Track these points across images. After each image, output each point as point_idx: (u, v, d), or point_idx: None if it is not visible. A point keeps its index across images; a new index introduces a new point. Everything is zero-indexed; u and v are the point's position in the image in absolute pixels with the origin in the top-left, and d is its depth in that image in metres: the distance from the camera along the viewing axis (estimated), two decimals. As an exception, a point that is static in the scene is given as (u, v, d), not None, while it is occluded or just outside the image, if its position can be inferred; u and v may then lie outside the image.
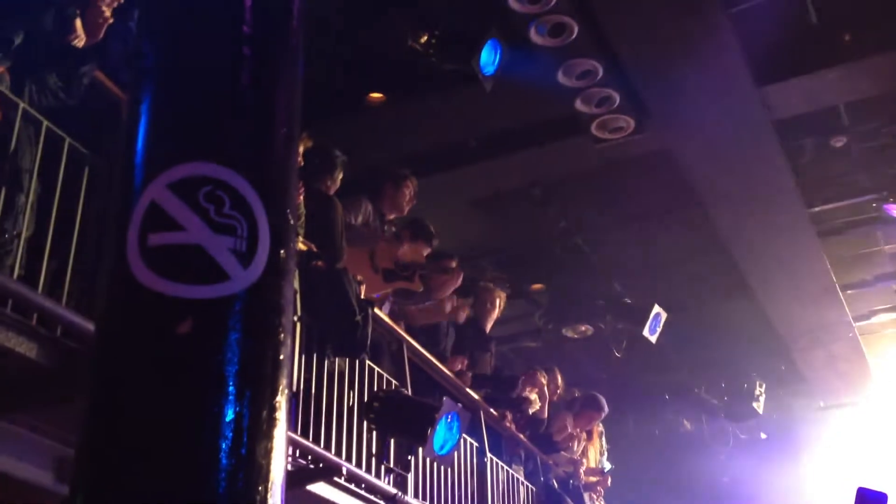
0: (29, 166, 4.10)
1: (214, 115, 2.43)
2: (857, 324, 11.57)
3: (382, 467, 5.96)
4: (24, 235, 4.07)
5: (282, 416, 2.31)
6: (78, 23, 4.45)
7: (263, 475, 2.21)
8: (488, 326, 8.82)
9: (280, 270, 2.39)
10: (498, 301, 8.83)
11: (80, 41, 4.46)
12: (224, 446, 2.15)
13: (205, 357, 2.23)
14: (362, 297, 6.00)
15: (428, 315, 7.81)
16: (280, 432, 2.29)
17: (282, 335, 2.38)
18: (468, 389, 7.71)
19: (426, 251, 7.36)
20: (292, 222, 2.50)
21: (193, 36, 2.49)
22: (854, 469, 13.21)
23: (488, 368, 8.75)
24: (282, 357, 2.36)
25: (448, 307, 7.95)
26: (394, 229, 7.26)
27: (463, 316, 8.18)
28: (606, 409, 10.32)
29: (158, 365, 2.23)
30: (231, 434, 2.17)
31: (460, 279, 7.78)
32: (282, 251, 2.39)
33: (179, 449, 2.16)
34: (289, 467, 5.02)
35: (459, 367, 7.98)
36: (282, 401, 2.33)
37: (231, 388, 2.20)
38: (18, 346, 3.82)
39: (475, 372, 8.31)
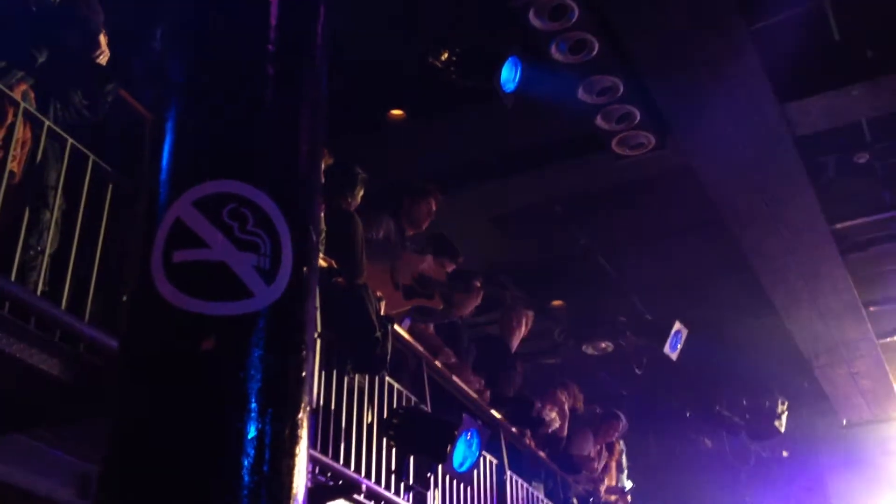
0: (54, 183, 4.13)
1: (238, 134, 2.44)
2: (880, 341, 11.45)
3: (402, 484, 5.94)
4: (48, 252, 4.09)
5: (304, 433, 2.32)
6: (102, 38, 4.49)
7: (286, 492, 2.21)
8: (514, 345, 8.79)
9: (303, 287, 2.40)
10: (525, 320, 8.81)
11: (104, 57, 4.49)
12: (246, 463, 2.15)
13: (228, 374, 2.24)
14: (382, 313, 5.99)
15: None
16: (302, 449, 2.30)
17: (304, 352, 2.38)
18: (487, 406, 7.68)
19: (450, 268, 7.34)
20: (315, 239, 2.51)
21: (218, 54, 2.51)
22: (878, 489, 13.06)
23: (512, 388, 8.69)
24: (304, 374, 2.37)
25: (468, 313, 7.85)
26: (415, 247, 7.26)
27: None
28: (625, 420, 10.27)
29: (181, 381, 2.24)
30: (253, 451, 2.17)
31: (480, 297, 7.76)
32: (305, 268, 2.40)
33: (202, 466, 2.17)
34: (308, 484, 5.01)
35: (477, 386, 7.94)
36: (304, 418, 2.34)
37: (254, 405, 2.21)
38: (41, 363, 3.83)
39: (496, 391, 8.27)
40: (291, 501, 2.22)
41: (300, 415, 2.33)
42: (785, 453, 13.83)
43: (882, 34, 7.45)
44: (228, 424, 2.19)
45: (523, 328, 8.80)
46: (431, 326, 7.59)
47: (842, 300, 10.31)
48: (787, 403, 12.62)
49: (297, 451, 2.27)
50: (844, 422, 13.73)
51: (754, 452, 13.56)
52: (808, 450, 13.80)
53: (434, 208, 7.31)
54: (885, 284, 10.81)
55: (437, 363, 6.96)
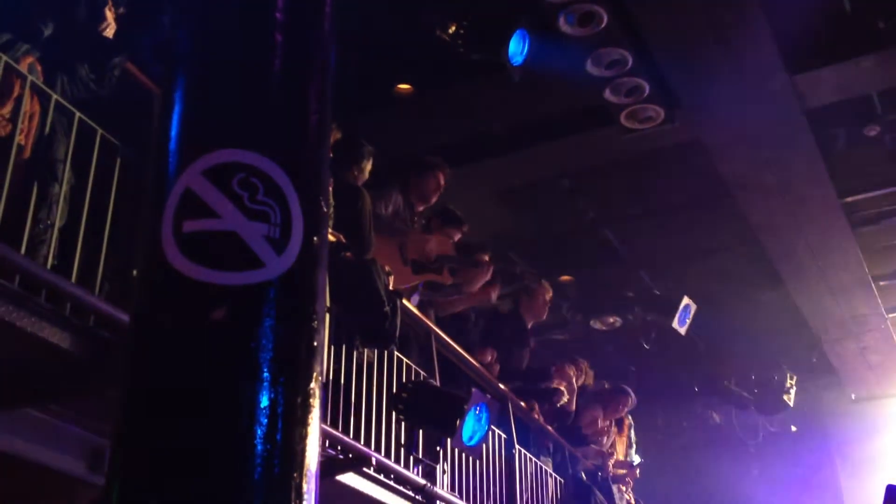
0: (62, 157, 4.12)
1: (247, 103, 2.43)
2: (890, 315, 11.44)
3: (411, 458, 5.96)
4: (57, 225, 4.09)
5: (316, 402, 2.32)
6: (108, 11, 4.47)
7: (299, 462, 2.21)
8: (531, 322, 8.78)
9: (313, 257, 2.39)
10: (548, 297, 8.82)
11: (110, 29, 4.48)
12: (259, 433, 2.15)
13: (239, 343, 2.23)
14: (391, 287, 5.99)
15: (458, 302, 7.76)
16: (315, 419, 2.29)
17: (315, 322, 2.38)
18: (496, 381, 7.69)
19: (457, 236, 7.32)
20: (325, 209, 2.50)
21: (226, 23, 2.49)
22: (886, 463, 13.08)
23: (524, 363, 8.71)
24: (315, 344, 2.36)
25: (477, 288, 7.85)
26: (423, 221, 7.24)
27: (494, 296, 8.03)
28: (634, 395, 10.29)
29: (193, 351, 2.24)
30: (266, 420, 2.17)
31: (490, 272, 7.74)
32: (315, 238, 2.39)
33: (215, 436, 2.17)
34: (319, 457, 5.03)
35: (490, 358, 7.95)
36: (316, 387, 2.33)
37: (266, 375, 2.21)
38: (52, 336, 3.83)
39: (510, 366, 8.27)
40: (305, 470, 2.22)
41: (312, 384, 2.32)
42: (793, 428, 13.85)
43: (893, 5, 7.38)
44: (240, 394, 2.18)
45: (546, 308, 8.80)
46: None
47: (851, 274, 10.28)
48: (795, 378, 12.62)
49: (310, 420, 2.27)
50: (853, 396, 13.73)
51: (762, 427, 13.58)
52: (816, 424, 13.81)
53: (442, 182, 7.27)
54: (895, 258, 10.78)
55: (445, 337, 6.96)
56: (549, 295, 8.85)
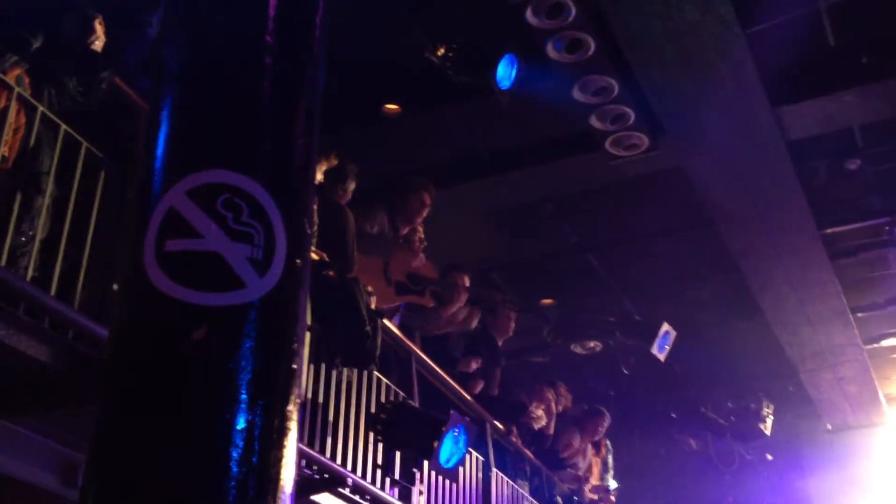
0: (47, 169, 4.11)
1: (235, 124, 2.43)
2: (867, 347, 11.49)
3: (388, 479, 5.94)
4: (38, 237, 4.08)
5: (293, 425, 2.32)
6: (97, 24, 4.47)
7: (274, 484, 2.21)
8: (500, 340, 8.83)
9: (296, 279, 2.39)
10: (511, 315, 8.87)
11: (99, 42, 4.48)
12: (235, 455, 2.15)
13: (218, 364, 2.23)
14: (373, 307, 5.99)
15: (442, 325, 7.79)
16: (291, 442, 2.29)
17: (295, 344, 2.38)
18: (476, 402, 7.68)
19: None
20: (309, 232, 2.51)
21: (216, 44, 2.50)
22: (860, 494, 13.12)
23: (496, 385, 8.73)
24: (294, 366, 2.37)
25: (462, 315, 7.91)
26: (408, 242, 7.25)
27: (475, 322, 8.12)
28: (609, 416, 10.33)
29: (171, 371, 2.23)
30: (242, 443, 2.17)
31: (464, 297, 7.79)
32: (298, 260, 2.39)
33: (190, 456, 2.16)
34: (294, 477, 5.00)
35: (475, 365, 7.98)
36: (293, 410, 2.33)
37: (244, 397, 2.20)
38: (29, 349, 3.82)
39: (485, 388, 8.29)
40: (279, 493, 2.21)
41: (290, 407, 2.32)
42: (769, 456, 13.88)
43: (877, 41, 7.48)
44: (218, 415, 2.18)
45: (512, 327, 8.86)
46: None
47: (829, 305, 10.34)
48: (772, 406, 12.66)
49: (286, 443, 2.27)
50: (829, 426, 13.79)
51: (738, 455, 13.60)
52: (791, 453, 13.84)
53: (427, 203, 7.30)
54: (873, 290, 10.85)
55: (426, 358, 6.96)
56: (512, 313, 8.89)
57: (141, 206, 2.36)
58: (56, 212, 4.19)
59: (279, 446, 2.25)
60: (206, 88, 2.46)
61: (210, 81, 2.46)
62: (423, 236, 7.52)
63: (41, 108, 4.12)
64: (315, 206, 5.27)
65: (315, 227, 5.39)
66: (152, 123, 2.44)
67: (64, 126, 4.17)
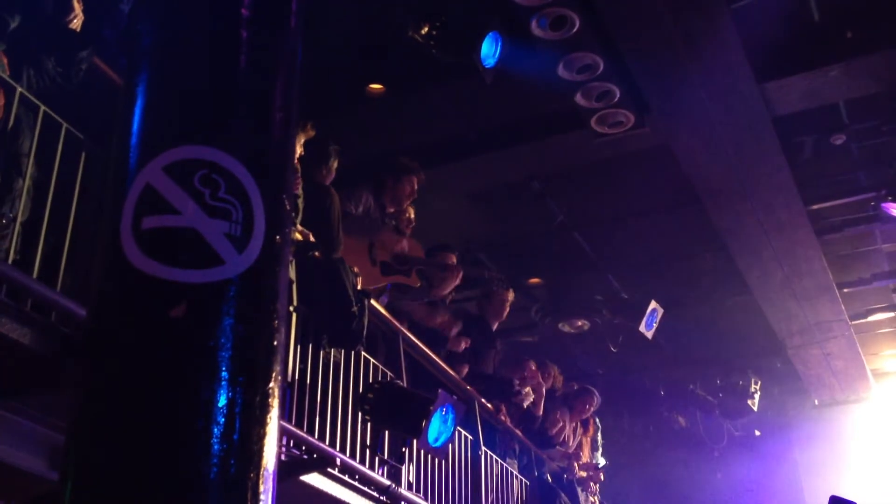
0: (27, 151, 4.07)
1: (211, 99, 2.41)
2: (853, 322, 11.55)
3: (376, 459, 5.94)
4: (19, 219, 4.04)
5: (275, 402, 2.30)
6: (76, 2, 4.42)
7: (255, 462, 2.20)
8: (495, 325, 8.82)
9: (275, 256, 2.38)
10: (509, 298, 8.87)
11: (78, 21, 4.43)
12: (216, 432, 2.14)
13: (198, 342, 2.22)
14: (359, 288, 5.97)
15: (430, 320, 7.79)
16: (273, 418, 2.28)
17: (276, 321, 2.36)
18: (464, 382, 7.69)
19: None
20: (289, 207, 2.49)
21: (191, 17, 2.47)
22: (848, 469, 13.23)
23: (492, 366, 8.74)
24: (275, 343, 2.35)
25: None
26: (394, 222, 7.23)
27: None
28: (598, 395, 10.37)
29: (150, 349, 2.22)
30: (223, 419, 2.16)
31: (460, 277, 7.77)
32: (277, 236, 2.38)
33: (170, 434, 2.15)
34: (282, 457, 5.00)
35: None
36: (275, 387, 2.32)
37: (224, 374, 2.19)
38: (12, 332, 3.78)
39: (477, 368, 8.29)
40: (262, 470, 2.20)
41: (271, 384, 2.31)
42: (757, 432, 13.96)
43: (862, 15, 7.47)
44: (198, 392, 2.17)
45: (507, 310, 8.85)
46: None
47: (816, 281, 10.38)
48: (760, 383, 12.73)
49: (268, 419, 2.26)
50: (816, 402, 13.87)
51: (727, 431, 13.68)
52: (779, 429, 13.93)
53: (416, 187, 7.28)
54: (860, 266, 10.90)
55: (413, 338, 6.96)
56: (510, 296, 8.89)
57: (117, 183, 2.34)
58: (37, 194, 4.15)
59: (261, 423, 2.24)
60: (181, 63, 2.43)
61: (185, 56, 2.44)
62: (412, 216, 7.50)
63: (20, 90, 4.08)
64: (298, 185, 5.26)
65: (297, 207, 5.37)
66: (127, 99, 2.41)
67: (43, 107, 4.13)
